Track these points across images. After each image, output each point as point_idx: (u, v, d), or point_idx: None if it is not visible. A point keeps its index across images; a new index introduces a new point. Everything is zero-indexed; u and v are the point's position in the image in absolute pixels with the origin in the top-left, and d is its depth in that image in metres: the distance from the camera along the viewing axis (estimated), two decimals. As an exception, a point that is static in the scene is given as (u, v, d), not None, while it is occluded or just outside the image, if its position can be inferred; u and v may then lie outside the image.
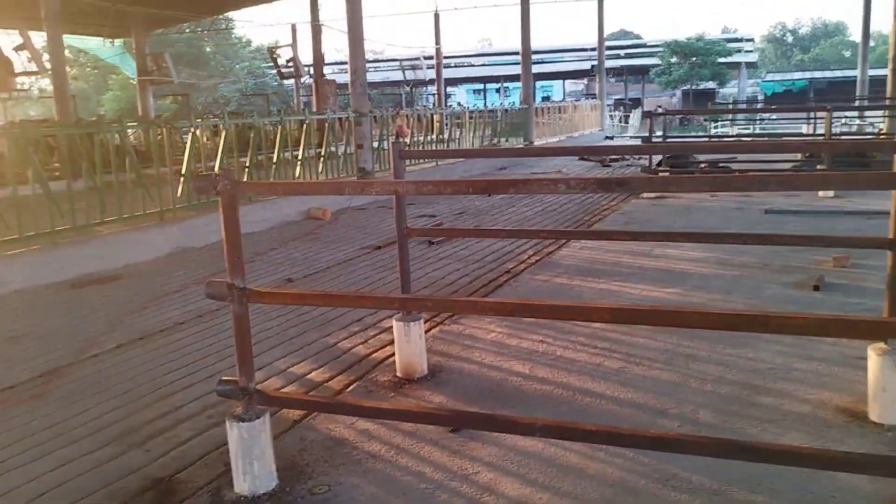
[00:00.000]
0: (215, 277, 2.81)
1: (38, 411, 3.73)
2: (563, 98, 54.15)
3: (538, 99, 41.21)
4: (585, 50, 59.63)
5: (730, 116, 23.38)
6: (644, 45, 59.82)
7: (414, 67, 33.18)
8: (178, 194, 8.17)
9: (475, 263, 6.85)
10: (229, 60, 59.00)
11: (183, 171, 8.19)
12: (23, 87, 29.71)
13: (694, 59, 46.08)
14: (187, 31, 45.42)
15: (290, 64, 24.74)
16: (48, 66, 15.52)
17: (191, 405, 3.75)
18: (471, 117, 15.58)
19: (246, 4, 23.98)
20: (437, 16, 27.58)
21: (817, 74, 56.75)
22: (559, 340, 4.19)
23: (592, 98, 41.58)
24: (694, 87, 48.12)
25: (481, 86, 63.30)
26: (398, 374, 3.78)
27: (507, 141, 17.29)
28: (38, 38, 19.78)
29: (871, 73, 57.25)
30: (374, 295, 3.55)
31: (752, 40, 58.44)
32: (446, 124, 14.36)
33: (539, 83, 59.50)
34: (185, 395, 3.87)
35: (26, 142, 6.50)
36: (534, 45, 19.78)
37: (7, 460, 3.20)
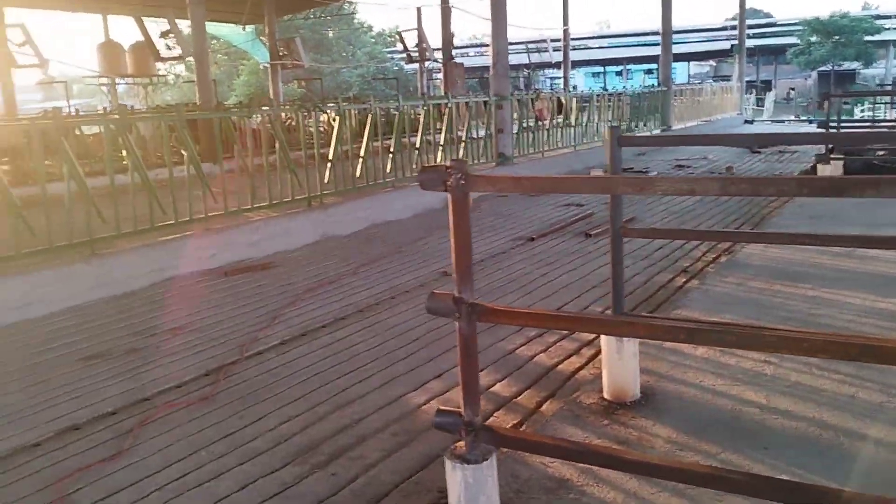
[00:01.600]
0: (438, 289, 2.36)
1: (209, 417, 3.47)
2: (688, 81, 51.73)
3: (652, 81, 39.38)
4: (710, 30, 56.74)
5: (871, 100, 21.28)
6: (776, 24, 56.29)
7: (539, 50, 32.27)
8: (326, 180, 7.94)
9: (644, 260, 6.23)
10: (351, 46, 59.93)
11: (330, 156, 7.95)
12: (161, 73, 31.10)
13: (837, 37, 42.76)
14: (311, 17, 46.23)
15: (417, 47, 24.55)
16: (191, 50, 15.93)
17: (371, 419, 3.38)
18: (608, 101, 14.77)
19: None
20: (565, -6, 26.61)
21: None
22: (787, 361, 3.56)
23: (720, 80, 39.32)
24: (836, 68, 44.73)
25: (600, 69, 61.44)
26: (606, 397, 3.28)
27: (644, 126, 16.35)
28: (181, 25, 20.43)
29: None
30: (618, 319, 3.01)
31: (903, 16, 53.78)
32: (583, 108, 13.64)
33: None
34: (362, 406, 3.51)
35: (182, 125, 6.39)
36: (657, 26, 18.60)
37: (187, 475, 2.92)
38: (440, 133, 9.72)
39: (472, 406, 2.22)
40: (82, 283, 5.56)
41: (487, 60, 11.49)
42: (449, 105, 9.84)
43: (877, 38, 43.04)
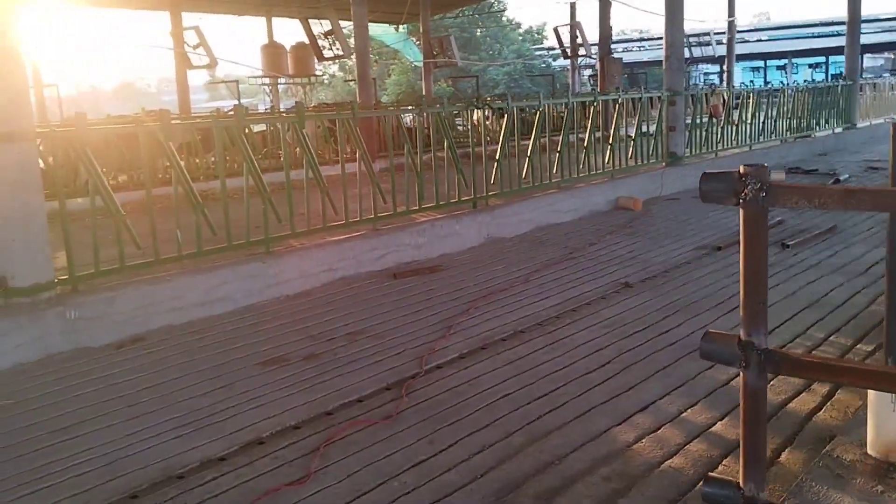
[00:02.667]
0: (704, 321, 1.94)
1: (395, 440, 3.20)
2: (860, 74, 47.61)
3: (818, 76, 36.37)
4: (887, 20, 51.93)
5: None
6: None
7: (701, 44, 30.64)
8: (491, 180, 7.63)
9: (862, 277, 5.46)
10: (498, 44, 59.83)
11: (498, 155, 7.63)
12: (319, 73, 32.20)
13: None
14: (460, 15, 46.42)
15: (571, 43, 23.92)
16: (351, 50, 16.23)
17: (574, 456, 2.99)
18: (788, 96, 13.56)
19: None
20: (732, -16, 25.05)
21: None
22: None
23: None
24: None
25: (759, 63, 57.89)
26: (871, 453, 2.71)
27: (827, 123, 14.92)
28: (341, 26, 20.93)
29: None
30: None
31: None
32: (762, 104, 12.58)
33: (832, 58, 53.11)
34: (562, 440, 3.13)
35: (355, 123, 6.27)
36: (823, 17, 16.90)
37: (380, 510, 2.66)
38: (601, 130, 9.16)
39: (755, 479, 1.78)
40: (259, 282, 5.54)
41: (637, 56, 10.78)
42: (620, 101, 9.27)
43: None
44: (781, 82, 15.76)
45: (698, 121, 10.84)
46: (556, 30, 22.72)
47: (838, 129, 15.41)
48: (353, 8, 13.59)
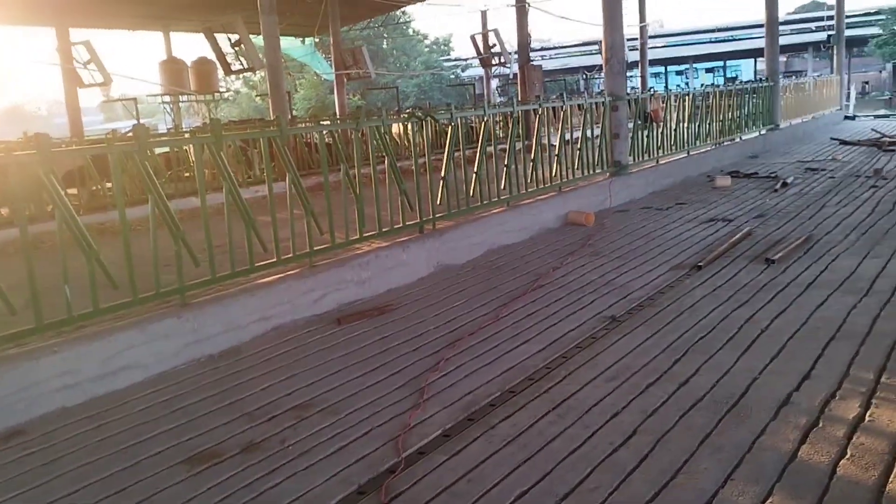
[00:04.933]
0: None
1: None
2: (755, 77, 49.39)
3: (718, 80, 37.37)
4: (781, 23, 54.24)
5: None
6: (848, 16, 53.51)
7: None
8: (437, 201, 6.76)
9: (872, 295, 4.85)
10: (406, 56, 59.22)
11: (444, 173, 6.76)
12: (223, 90, 30.58)
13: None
14: (366, 28, 45.46)
15: (486, 52, 23.40)
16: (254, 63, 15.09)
17: None
18: (719, 99, 13.25)
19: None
20: (642, -9, 25.12)
21: None
22: None
23: (790, 76, 37.01)
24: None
25: (660, 69, 59.50)
26: None
27: (754, 125, 14.77)
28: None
29: None
30: None
31: None
32: (697, 107, 12.19)
33: (732, 62, 54.96)
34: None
35: (284, 141, 5.26)
36: (712, 23, 16.95)
37: None
38: (533, 140, 8.45)
39: None
40: (175, 342, 4.47)
41: (554, 63, 10.16)
42: (564, 108, 8.58)
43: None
44: (678, 86, 15.56)
45: (639, 127, 10.30)
46: (473, 38, 22.11)
47: (763, 131, 15.32)
48: (263, 17, 12.50)
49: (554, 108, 8.86)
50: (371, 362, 4.34)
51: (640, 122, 10.04)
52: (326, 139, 9.21)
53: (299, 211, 5.52)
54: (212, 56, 18.01)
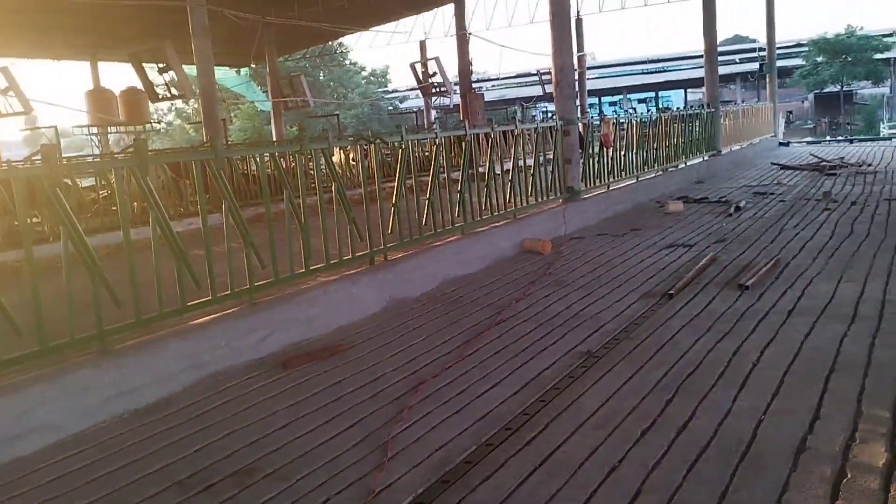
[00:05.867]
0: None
1: None
2: (686, 107, 50.77)
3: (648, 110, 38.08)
4: (700, 57, 56.10)
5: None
6: (763, 49, 55.76)
7: (544, 82, 30.90)
8: (388, 230, 6.28)
9: (860, 322, 4.56)
10: (344, 87, 58.87)
11: (395, 200, 6.29)
12: (154, 120, 29.51)
13: (845, 56, 41.77)
14: (301, 59, 44.93)
15: (425, 81, 23.18)
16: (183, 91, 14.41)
17: None
18: (666, 126, 13.18)
19: (378, 23, 22.66)
20: (579, 21, 25.39)
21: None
22: None
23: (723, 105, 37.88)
24: (845, 89, 43.61)
25: (594, 99, 60.72)
26: None
27: (697, 151, 14.78)
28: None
29: None
30: None
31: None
32: (644, 133, 12.05)
33: (663, 92, 56.39)
34: None
35: (220, 166, 4.72)
36: (642, 54, 17.17)
37: None
38: (482, 167, 8.09)
39: None
40: (94, 396, 3.85)
41: (491, 95, 9.88)
42: (516, 133, 8.24)
43: (887, 55, 42.14)
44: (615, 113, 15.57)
45: (591, 151, 10.06)
46: (413, 66, 21.83)
47: (706, 157, 15.36)
48: (195, 41, 11.93)
49: (505, 132, 8.50)
50: (324, 413, 3.80)
51: (580, 151, 9.73)
52: (268, 167, 8.66)
53: (238, 244, 4.96)
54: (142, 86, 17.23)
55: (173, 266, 4.51)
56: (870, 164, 14.55)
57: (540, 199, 8.77)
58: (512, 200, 8.14)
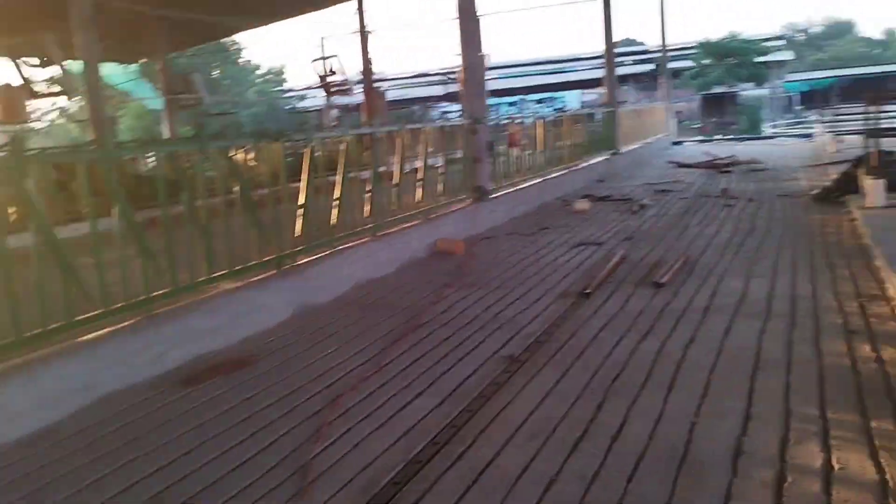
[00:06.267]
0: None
1: None
2: (581, 108, 52.08)
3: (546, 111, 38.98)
4: (597, 58, 57.79)
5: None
6: (652, 51, 58.00)
7: (446, 82, 30.99)
8: (297, 233, 5.96)
9: (776, 319, 4.61)
10: (239, 86, 57.25)
11: (302, 199, 5.98)
12: (33, 119, 27.63)
13: (730, 59, 43.93)
14: (193, 56, 43.30)
15: (325, 79, 22.73)
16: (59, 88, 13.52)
17: None
18: (570, 125, 13.32)
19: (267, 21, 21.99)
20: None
21: (841, 72, 55.00)
22: None
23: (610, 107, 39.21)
24: (729, 89, 45.83)
25: (493, 100, 61.53)
26: None
27: (597, 151, 15.05)
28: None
29: (888, 68, 55.44)
30: None
31: (781, 38, 56.56)
32: (549, 132, 12.12)
33: (559, 93, 57.64)
34: None
35: (111, 166, 4.29)
36: (539, 56, 17.60)
37: None
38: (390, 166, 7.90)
39: None
40: (-39, 430, 3.39)
41: (392, 95, 9.75)
42: (425, 130, 8.06)
43: (767, 58, 44.56)
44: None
45: (499, 150, 10.01)
46: (314, 63, 21.33)
47: (607, 156, 15.67)
48: (79, 35, 11.10)
49: (414, 131, 8.30)
50: (234, 434, 3.48)
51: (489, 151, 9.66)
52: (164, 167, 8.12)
53: (133, 250, 4.55)
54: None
55: (59, 277, 4.07)
56: (760, 162, 15.20)
57: (451, 199, 8.63)
58: (423, 200, 7.95)
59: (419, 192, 7.93)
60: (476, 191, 9.24)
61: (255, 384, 4.16)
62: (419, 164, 8.17)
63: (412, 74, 57.30)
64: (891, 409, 3.13)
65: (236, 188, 5.37)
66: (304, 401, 3.85)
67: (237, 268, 5.27)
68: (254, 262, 5.44)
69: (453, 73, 29.56)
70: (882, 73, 52.59)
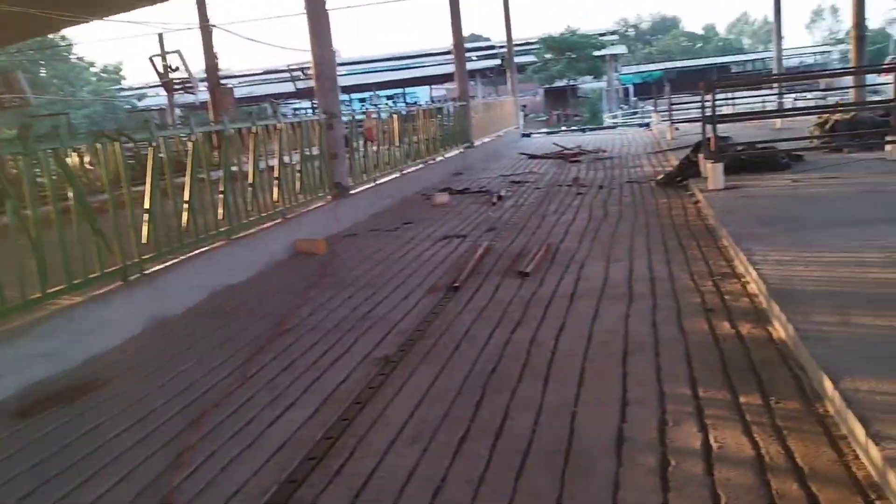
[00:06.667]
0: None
1: None
2: (432, 102, 52.64)
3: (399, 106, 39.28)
4: (445, 53, 58.61)
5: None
6: (497, 46, 59.65)
7: (295, 78, 30.24)
8: (144, 239, 5.50)
9: (639, 302, 4.73)
10: (71, 86, 53.42)
11: (147, 204, 5.51)
12: None
13: (569, 53, 45.85)
14: (19, 52, 39.91)
15: (166, 76, 21.52)
16: None
17: None
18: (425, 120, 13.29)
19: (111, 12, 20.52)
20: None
21: (669, 65, 59.13)
22: None
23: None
24: (570, 83, 47.88)
25: (345, 96, 61.05)
26: None
27: (453, 144, 15.15)
28: None
29: (714, 60, 60.16)
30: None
31: (615, 33, 59.63)
32: (406, 127, 12.03)
33: (409, 89, 57.91)
34: None
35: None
36: (387, 52, 17.75)
37: None
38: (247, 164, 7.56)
39: None
40: None
41: (239, 92, 9.42)
42: (279, 127, 7.72)
43: (603, 52, 46.85)
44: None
45: (355, 146, 9.80)
46: (152, 59, 20.11)
47: (461, 149, 15.82)
48: None
49: (267, 127, 7.93)
50: (81, 470, 3.11)
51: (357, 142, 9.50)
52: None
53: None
54: None
55: None
56: (605, 151, 15.87)
57: (309, 197, 8.33)
58: (280, 199, 7.61)
59: (275, 192, 7.58)
60: (335, 187, 8.99)
61: (103, 410, 3.76)
62: (274, 162, 7.82)
63: (261, 71, 55.61)
64: (755, 384, 3.25)
65: (71, 194, 4.86)
66: (161, 424, 3.51)
67: (76, 281, 4.77)
68: (95, 275, 4.95)
69: (304, 68, 28.94)
70: (705, 65, 57.02)
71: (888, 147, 9.06)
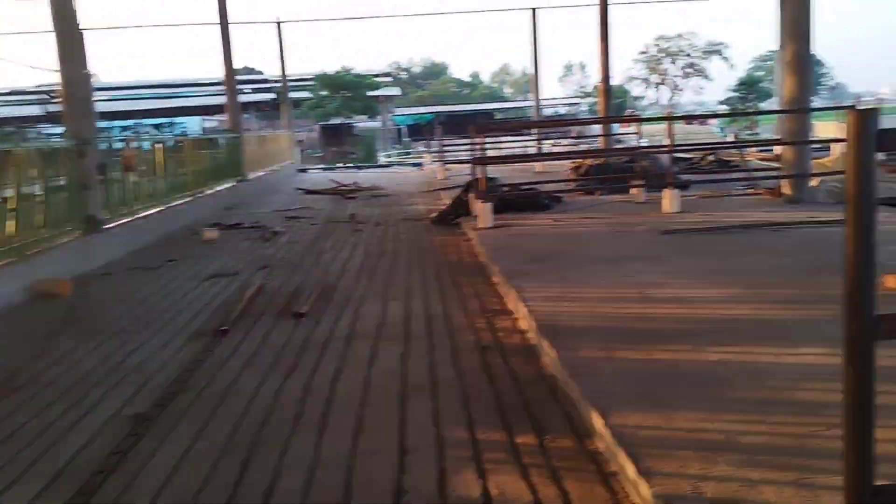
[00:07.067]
0: None
1: None
2: (203, 133, 50.61)
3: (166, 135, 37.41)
4: (218, 84, 56.80)
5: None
6: (271, 81, 59.06)
7: (42, 101, 27.45)
8: None
9: (415, 342, 4.66)
10: None
11: None
12: None
13: (345, 92, 46.31)
14: None
15: None
16: None
17: None
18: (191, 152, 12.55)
19: None
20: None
21: (440, 108, 62.05)
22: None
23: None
24: (345, 121, 48.31)
25: (106, 123, 56.81)
26: None
27: (224, 178, 14.47)
28: None
29: (481, 107, 64.24)
30: None
31: (389, 75, 61.26)
32: (171, 157, 11.24)
33: (178, 119, 55.10)
34: None
35: None
36: (155, 79, 17.13)
37: None
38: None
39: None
40: None
41: None
42: (17, 152, 6.80)
43: (378, 93, 47.88)
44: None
45: (113, 176, 8.95)
46: None
47: (233, 183, 15.19)
48: None
49: (5, 153, 6.95)
50: None
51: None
52: None
53: None
54: None
55: None
56: (381, 188, 16.03)
57: (55, 232, 7.41)
58: (18, 234, 6.67)
59: (12, 226, 6.63)
60: (87, 221, 8.09)
61: None
62: (10, 192, 6.85)
63: (3, 91, 49.98)
64: (530, 423, 3.26)
65: None
66: None
67: None
68: None
69: (55, 90, 26.36)
70: (472, 110, 60.46)
71: (633, 190, 10.00)
